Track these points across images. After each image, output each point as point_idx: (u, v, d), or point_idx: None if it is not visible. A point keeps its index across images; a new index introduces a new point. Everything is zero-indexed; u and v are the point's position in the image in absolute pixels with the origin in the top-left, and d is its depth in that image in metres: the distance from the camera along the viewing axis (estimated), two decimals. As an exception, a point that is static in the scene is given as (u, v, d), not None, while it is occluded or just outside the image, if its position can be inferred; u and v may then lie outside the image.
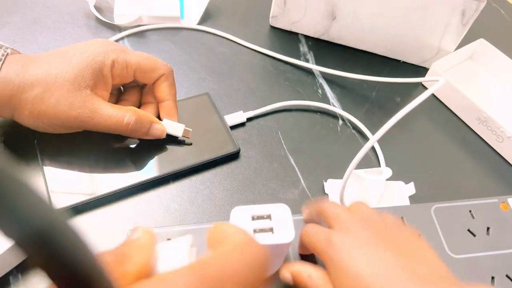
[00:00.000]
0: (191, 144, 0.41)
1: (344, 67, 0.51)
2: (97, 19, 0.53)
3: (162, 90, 0.39)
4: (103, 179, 0.38)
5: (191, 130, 0.41)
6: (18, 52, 0.37)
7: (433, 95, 0.52)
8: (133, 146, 0.40)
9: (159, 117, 0.41)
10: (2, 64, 0.34)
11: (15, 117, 0.36)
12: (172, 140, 0.41)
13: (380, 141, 0.45)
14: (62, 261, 0.13)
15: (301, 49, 0.54)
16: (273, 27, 0.56)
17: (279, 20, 0.55)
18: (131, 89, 0.41)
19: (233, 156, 0.42)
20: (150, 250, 0.20)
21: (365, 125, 0.47)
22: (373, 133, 0.46)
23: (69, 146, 0.38)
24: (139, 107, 0.41)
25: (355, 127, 0.47)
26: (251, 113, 0.46)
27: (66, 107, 0.34)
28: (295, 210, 0.33)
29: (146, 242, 0.20)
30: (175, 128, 0.40)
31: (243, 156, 0.43)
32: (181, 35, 0.54)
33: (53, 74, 0.34)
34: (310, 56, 0.54)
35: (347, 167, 0.33)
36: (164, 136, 0.39)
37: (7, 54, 0.35)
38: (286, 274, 0.30)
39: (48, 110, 0.34)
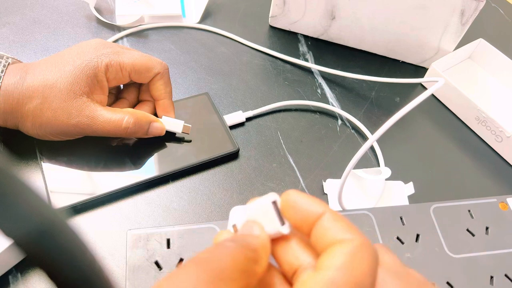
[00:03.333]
0: (190, 141, 0.41)
1: (344, 67, 0.51)
2: (97, 19, 0.53)
3: (157, 88, 0.40)
4: (103, 179, 0.38)
5: (190, 126, 0.41)
6: (19, 61, 0.37)
7: (432, 95, 0.52)
8: (132, 145, 0.41)
9: (156, 115, 0.41)
10: (4, 75, 0.34)
11: (20, 128, 0.36)
12: (171, 138, 0.41)
13: (379, 141, 0.45)
14: (61, 261, 0.13)
15: (301, 49, 0.54)
16: (272, 27, 0.57)
17: (278, 20, 0.55)
18: (129, 87, 0.41)
19: (233, 156, 0.42)
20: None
21: (365, 125, 0.47)
22: (372, 133, 0.46)
23: (68, 145, 0.38)
24: (137, 104, 0.42)
25: (354, 127, 0.47)
26: (250, 113, 0.46)
27: (64, 116, 0.35)
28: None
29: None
30: (174, 124, 0.40)
31: (242, 156, 0.43)
32: (181, 35, 0.54)
33: (49, 84, 0.34)
34: (309, 56, 0.54)
35: (346, 167, 0.33)
36: (163, 133, 0.40)
37: (8, 64, 0.35)
38: None
39: (48, 120, 0.35)
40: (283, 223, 0.20)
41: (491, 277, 0.34)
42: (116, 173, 0.39)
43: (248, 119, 0.46)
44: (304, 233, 0.20)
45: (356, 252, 0.18)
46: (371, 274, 0.18)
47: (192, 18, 0.55)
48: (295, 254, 0.20)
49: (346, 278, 0.17)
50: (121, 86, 0.42)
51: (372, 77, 0.48)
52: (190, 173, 0.41)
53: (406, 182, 0.42)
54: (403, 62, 0.55)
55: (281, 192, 0.21)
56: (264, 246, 0.20)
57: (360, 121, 0.47)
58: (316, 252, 0.20)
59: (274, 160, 0.43)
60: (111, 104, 0.40)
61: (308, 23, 0.54)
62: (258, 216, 0.21)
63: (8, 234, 0.12)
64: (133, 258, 0.32)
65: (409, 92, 0.52)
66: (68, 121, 0.35)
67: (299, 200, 0.20)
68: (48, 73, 0.35)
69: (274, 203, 0.21)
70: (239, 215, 0.24)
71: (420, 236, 0.36)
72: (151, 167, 0.39)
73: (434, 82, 0.37)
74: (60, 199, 0.36)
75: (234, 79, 0.50)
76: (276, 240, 0.21)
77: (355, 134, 0.47)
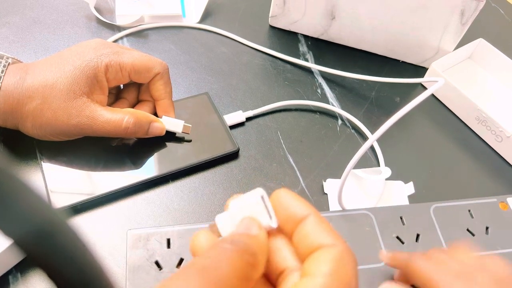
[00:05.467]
0: (190, 140, 0.41)
1: (344, 67, 0.51)
2: (97, 19, 0.53)
3: (157, 88, 0.40)
4: (103, 179, 0.38)
5: (190, 125, 0.41)
6: (19, 61, 0.37)
7: (432, 94, 0.52)
8: (132, 145, 0.41)
9: (156, 114, 0.41)
10: (4, 75, 0.34)
11: (20, 128, 0.36)
12: (171, 138, 0.41)
13: (379, 141, 0.45)
14: (61, 261, 0.13)
15: (301, 48, 0.54)
16: (272, 27, 0.57)
17: (278, 19, 0.55)
18: (129, 87, 0.41)
19: (232, 156, 0.42)
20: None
21: (365, 125, 0.47)
22: (372, 133, 0.46)
23: (68, 145, 0.38)
24: (137, 104, 0.42)
25: (354, 127, 0.47)
26: (250, 113, 0.46)
27: (65, 117, 0.35)
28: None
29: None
30: (174, 124, 0.40)
31: (242, 155, 0.43)
32: (181, 35, 0.54)
33: (49, 84, 0.34)
34: (309, 55, 0.54)
35: (346, 167, 0.33)
36: (164, 133, 0.40)
37: (9, 64, 0.35)
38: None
39: (48, 121, 0.35)
40: (270, 217, 0.21)
41: (491, 277, 0.34)
42: (116, 173, 0.39)
43: (248, 119, 0.46)
44: (286, 233, 0.20)
45: (340, 258, 0.19)
46: (355, 277, 0.19)
47: (192, 18, 0.55)
48: (282, 255, 0.20)
49: (336, 283, 0.18)
50: (121, 86, 0.42)
51: (372, 77, 0.48)
52: (190, 173, 0.41)
53: (406, 182, 0.42)
54: (403, 62, 0.55)
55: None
56: (263, 248, 0.19)
57: (360, 121, 0.47)
58: (301, 255, 0.20)
59: (274, 160, 0.43)
60: (111, 104, 0.40)
61: (308, 23, 0.54)
62: (246, 212, 0.21)
63: (8, 234, 0.12)
64: (133, 258, 0.32)
65: (409, 92, 0.52)
66: (68, 121, 0.35)
67: (286, 200, 0.20)
68: (48, 73, 0.35)
69: (262, 197, 0.21)
70: (224, 221, 0.23)
71: (420, 236, 0.36)
72: (151, 167, 0.39)
73: (434, 82, 0.37)
74: (60, 199, 0.36)
75: (234, 79, 0.50)
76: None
77: (355, 134, 0.47)
